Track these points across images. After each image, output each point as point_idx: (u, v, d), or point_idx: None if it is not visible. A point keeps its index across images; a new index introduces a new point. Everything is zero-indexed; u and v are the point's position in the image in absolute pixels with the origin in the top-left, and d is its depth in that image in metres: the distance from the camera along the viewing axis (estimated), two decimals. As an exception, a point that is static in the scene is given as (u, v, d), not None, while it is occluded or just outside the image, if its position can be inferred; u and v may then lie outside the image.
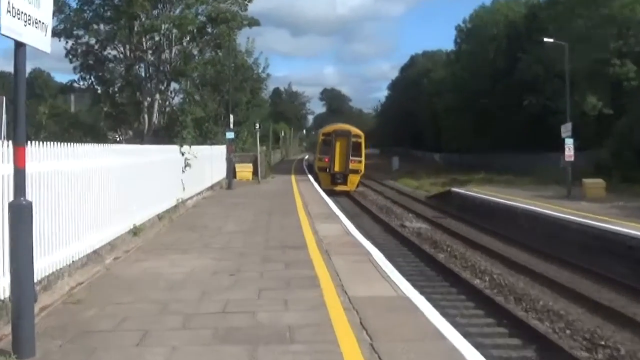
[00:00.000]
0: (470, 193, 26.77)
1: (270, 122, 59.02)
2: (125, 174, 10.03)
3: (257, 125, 27.71)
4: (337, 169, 30.90)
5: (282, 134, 78.26)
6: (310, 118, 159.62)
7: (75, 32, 20.83)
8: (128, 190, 10.15)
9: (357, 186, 32.95)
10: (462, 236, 18.63)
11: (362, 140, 31.23)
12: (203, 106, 26.41)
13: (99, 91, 21.85)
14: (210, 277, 7.69)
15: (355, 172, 31.22)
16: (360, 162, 31.04)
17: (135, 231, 10.63)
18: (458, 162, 54.53)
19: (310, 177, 33.34)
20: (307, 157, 62.33)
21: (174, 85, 22.34)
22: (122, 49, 21.01)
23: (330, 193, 28.91)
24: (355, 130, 31.93)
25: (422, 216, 23.79)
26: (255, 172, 28.82)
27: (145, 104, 20.63)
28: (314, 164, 34.37)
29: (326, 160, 31.08)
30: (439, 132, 61.51)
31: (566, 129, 23.27)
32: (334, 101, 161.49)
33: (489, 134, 46.84)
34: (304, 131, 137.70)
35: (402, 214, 24.26)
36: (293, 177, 32.12)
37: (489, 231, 19.81)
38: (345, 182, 31.19)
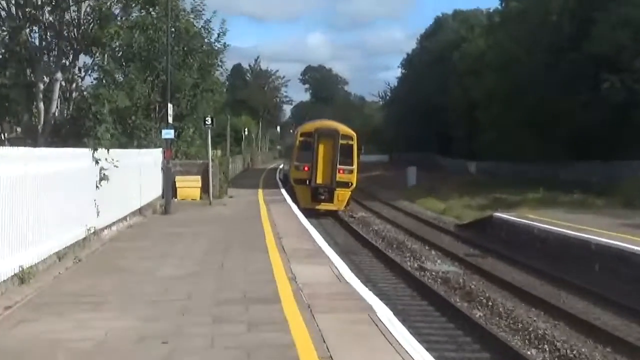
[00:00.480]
0: (521, 220, 26.88)
1: (229, 115, 59.14)
2: (3, 190, 9.96)
3: (209, 120, 27.67)
4: (320, 181, 32.85)
5: (246, 132, 78.43)
6: (288, 110, 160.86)
7: None
8: (5, 215, 10.07)
9: (348, 204, 35.00)
10: (510, 284, 18.64)
11: (355, 142, 33.15)
12: (128, 91, 26.31)
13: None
14: (135, 346, 7.60)
15: (345, 185, 33.10)
16: (351, 172, 32.98)
17: (22, 277, 10.50)
18: (503, 175, 54.82)
19: (285, 194, 33.41)
20: (282, 166, 62.37)
21: (84, 60, 22.24)
22: (4, 3, 20.89)
23: (311, 214, 28.91)
24: (344, 128, 33.74)
25: (451, 254, 23.83)
26: (205, 189, 28.78)
27: (41, 86, 20.47)
28: (289, 175, 36.04)
29: (305, 169, 32.94)
30: (476, 130, 61.87)
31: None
32: (323, 85, 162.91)
33: (549, 132, 47.09)
34: (278, 128, 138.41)
35: (421, 251, 24.30)
36: (261, 196, 32.11)
37: (549, 277, 19.86)
38: (331, 199, 33.18)
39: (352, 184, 33.40)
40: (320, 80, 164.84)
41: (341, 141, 32.55)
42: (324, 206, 33.37)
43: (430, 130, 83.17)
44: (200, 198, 28.79)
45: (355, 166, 33.18)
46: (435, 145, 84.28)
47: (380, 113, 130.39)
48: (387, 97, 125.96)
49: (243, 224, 20.45)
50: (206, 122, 27.34)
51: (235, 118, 71.72)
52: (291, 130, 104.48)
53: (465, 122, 65.89)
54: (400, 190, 51.91)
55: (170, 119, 24.69)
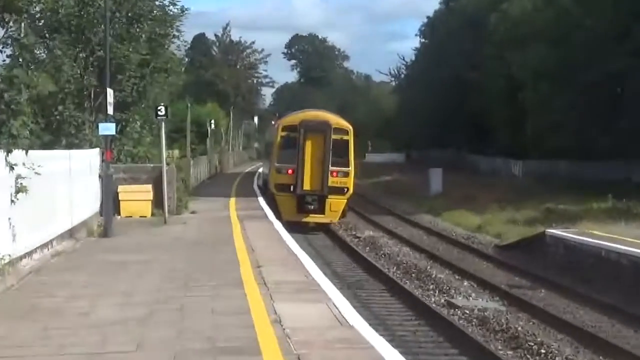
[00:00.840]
0: (584, 239, 26.84)
1: (189, 103, 59.02)
2: None
3: (162, 110, 27.65)
4: (307, 187, 34.70)
5: (212, 125, 78.22)
6: (269, 94, 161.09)
7: None
8: None
9: (344, 215, 36.58)
10: (569, 324, 18.64)
11: (350, 138, 34.94)
12: (53, 72, 26.25)
13: None
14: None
15: (339, 191, 34.93)
16: (347, 174, 35.10)
17: None
18: (558, 178, 54.79)
19: (265, 207, 33.44)
20: (261, 169, 62.69)
21: (-7, 31, 22.24)
22: None
23: (298, 230, 28.95)
24: (337, 120, 35.95)
25: (490, 285, 23.81)
26: (158, 203, 28.72)
27: None
28: (269, 179, 37.96)
29: (289, 172, 34.62)
30: (521, 118, 61.90)
31: None
32: (315, 60, 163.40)
33: (618, 120, 47.01)
34: (256, 119, 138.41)
35: (449, 282, 24.27)
36: (233, 211, 32.10)
37: (623, 314, 19.86)
38: (321, 210, 35.05)
39: (347, 190, 34.90)
40: (312, 55, 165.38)
41: (334, 136, 34.11)
42: (313, 218, 35.03)
43: (460, 119, 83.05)
44: (152, 215, 28.71)
45: (351, 167, 34.87)
46: (467, 139, 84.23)
47: (393, 97, 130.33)
48: (402, 76, 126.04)
49: (210, 249, 20.43)
50: (159, 113, 27.32)
51: (198, 107, 71.60)
52: (273, 122, 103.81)
53: (507, 109, 65.85)
54: (421, 200, 51.81)
55: (110, 109, 24.60)
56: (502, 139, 71.27)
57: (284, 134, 35.20)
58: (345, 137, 34.52)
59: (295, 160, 34.00)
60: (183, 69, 43.40)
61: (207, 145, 70.69)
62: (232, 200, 38.03)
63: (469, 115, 78.88)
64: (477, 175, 69.22)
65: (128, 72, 31.31)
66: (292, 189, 34.21)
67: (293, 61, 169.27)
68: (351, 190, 35.32)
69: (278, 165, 35.06)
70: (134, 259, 18.55)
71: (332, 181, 34.05)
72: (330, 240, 33.53)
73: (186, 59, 55.87)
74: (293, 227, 29.69)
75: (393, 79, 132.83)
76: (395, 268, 26.89)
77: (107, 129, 24.10)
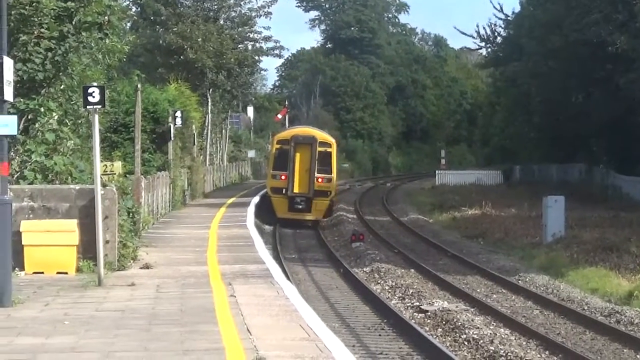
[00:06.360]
0: None
1: (139, 83, 59.28)
2: None
3: (95, 94, 27.63)
4: (297, 189, 66.83)
5: (178, 120, 78.31)
6: (273, 70, 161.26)
7: None
8: None
9: (328, 215, 70.18)
10: None
11: (333, 150, 60.55)
12: None
13: None
14: None
15: (324, 194, 67.53)
16: (330, 180, 67.50)
17: None
18: None
19: (266, 257, 33.59)
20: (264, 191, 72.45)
21: None
22: None
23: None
24: (322, 135, 65.14)
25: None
26: (88, 249, 28.68)
27: None
28: (267, 185, 71.40)
29: (282, 178, 66.00)
30: None
31: None
32: (350, 12, 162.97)
33: None
34: (250, 111, 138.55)
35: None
36: (213, 263, 32.14)
37: None
38: (308, 209, 67.67)
39: (331, 193, 68.47)
40: (344, 2, 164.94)
41: (319, 148, 60.14)
42: (300, 216, 67.57)
43: (601, 115, 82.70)
44: (78, 270, 28.68)
45: (334, 174, 65.15)
46: (607, 150, 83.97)
47: (483, 75, 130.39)
48: (498, 40, 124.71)
49: (176, 330, 20.33)
50: (89, 99, 27.20)
51: (153, 89, 71.53)
52: (279, 116, 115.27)
53: None
54: (531, 250, 51.90)
55: (7, 93, 24.70)
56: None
57: (278, 146, 65.66)
58: (328, 150, 63.05)
59: (288, 167, 57.51)
60: (127, 25, 43.56)
61: (169, 153, 70.59)
62: (212, 244, 38.13)
63: (615, 110, 78.49)
64: (625, 208, 69.61)
65: (37, 29, 31.46)
66: (284, 191, 65.10)
67: (313, 13, 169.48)
68: (334, 193, 69.28)
69: (273, 172, 67.58)
70: (47, 348, 18.41)
71: (318, 185, 63.55)
72: (375, 313, 33.47)
73: (132, 8, 56.13)
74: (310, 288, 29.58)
75: (483, 44, 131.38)
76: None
77: (3, 124, 24.16)
